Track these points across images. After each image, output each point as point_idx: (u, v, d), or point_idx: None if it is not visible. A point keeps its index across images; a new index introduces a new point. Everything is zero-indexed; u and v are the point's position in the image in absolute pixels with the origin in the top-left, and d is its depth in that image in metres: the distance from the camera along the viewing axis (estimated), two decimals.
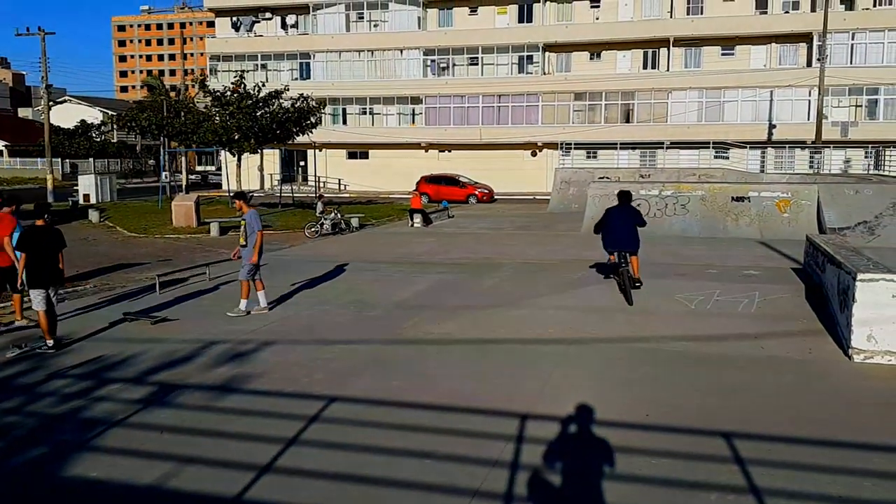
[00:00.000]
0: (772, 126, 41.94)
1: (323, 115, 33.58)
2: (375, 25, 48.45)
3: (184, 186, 42.56)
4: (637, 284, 12.09)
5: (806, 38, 41.74)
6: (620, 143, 40.09)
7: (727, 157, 38.62)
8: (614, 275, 13.13)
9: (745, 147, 38.24)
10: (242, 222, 11.22)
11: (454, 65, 47.31)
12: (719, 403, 7.07)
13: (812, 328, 9.90)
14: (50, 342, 9.11)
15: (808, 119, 40.32)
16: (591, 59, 46.04)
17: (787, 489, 5.26)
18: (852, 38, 41.09)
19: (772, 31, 42.29)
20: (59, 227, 10.64)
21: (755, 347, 9.06)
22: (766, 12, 42.75)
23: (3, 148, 73.59)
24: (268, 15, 49.88)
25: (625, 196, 12.60)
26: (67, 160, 65.95)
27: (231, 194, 16.44)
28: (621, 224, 12.16)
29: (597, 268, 14.43)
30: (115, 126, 69.20)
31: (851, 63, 40.90)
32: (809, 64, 41.36)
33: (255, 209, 11.62)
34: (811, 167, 36.38)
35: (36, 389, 7.67)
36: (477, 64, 46.81)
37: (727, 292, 12.22)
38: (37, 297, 9.15)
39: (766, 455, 5.80)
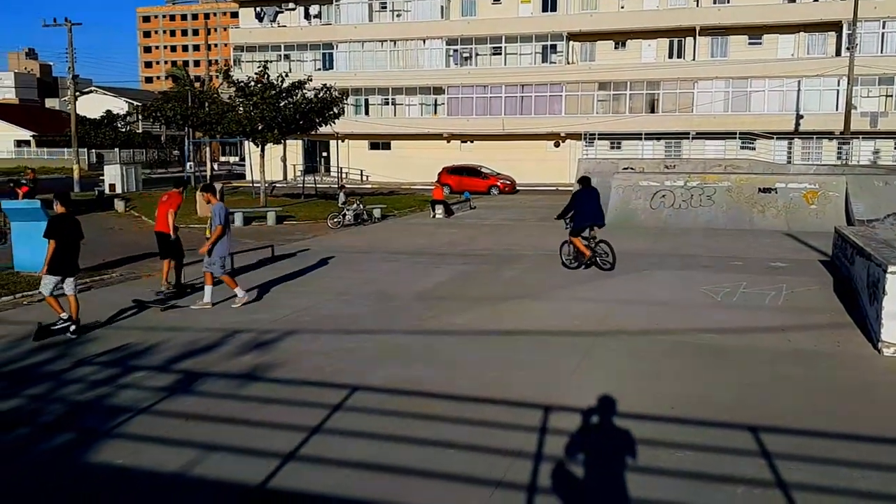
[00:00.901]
0: (799, 116, 41.28)
1: (345, 105, 33.59)
2: (398, 15, 48.35)
3: (208, 177, 42.86)
4: (604, 243, 13.76)
5: (835, 26, 40.97)
6: (645, 134, 39.64)
7: (753, 148, 38.07)
8: (593, 255, 13.74)
9: (772, 138, 37.65)
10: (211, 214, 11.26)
11: (477, 54, 47.07)
12: (745, 396, 6.98)
13: (840, 321, 9.76)
14: (64, 315, 9.28)
15: (837, 109, 39.60)
16: (615, 48, 45.58)
17: (815, 483, 5.18)
18: (883, 27, 40.27)
19: (800, 20, 41.56)
20: (86, 216, 10.74)
21: (782, 340, 8.94)
22: (794, 0, 42.01)
23: (31, 138, 74.68)
24: (291, 5, 49.98)
25: (587, 179, 14.46)
26: (93, 150, 66.64)
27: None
28: (590, 202, 13.85)
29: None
30: (140, 116, 69.80)
31: (882, 52, 40.09)
32: (838, 53, 40.60)
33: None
34: (839, 158, 35.77)
35: (62, 376, 7.77)
36: (500, 53, 46.52)
37: (754, 284, 12.11)
38: (49, 284, 9.30)
39: (794, 449, 5.72)
